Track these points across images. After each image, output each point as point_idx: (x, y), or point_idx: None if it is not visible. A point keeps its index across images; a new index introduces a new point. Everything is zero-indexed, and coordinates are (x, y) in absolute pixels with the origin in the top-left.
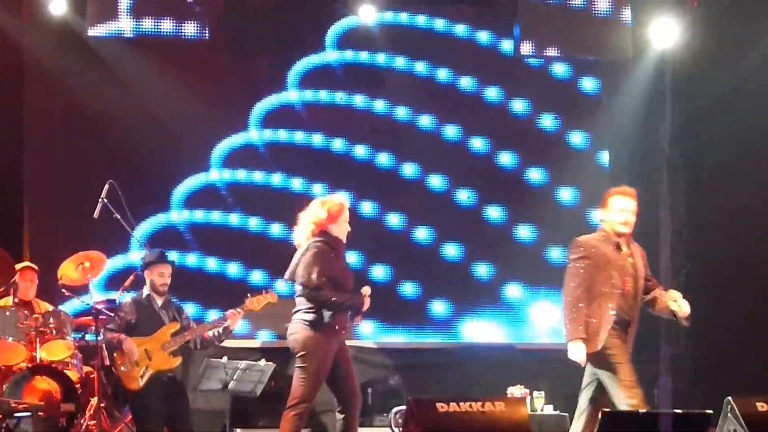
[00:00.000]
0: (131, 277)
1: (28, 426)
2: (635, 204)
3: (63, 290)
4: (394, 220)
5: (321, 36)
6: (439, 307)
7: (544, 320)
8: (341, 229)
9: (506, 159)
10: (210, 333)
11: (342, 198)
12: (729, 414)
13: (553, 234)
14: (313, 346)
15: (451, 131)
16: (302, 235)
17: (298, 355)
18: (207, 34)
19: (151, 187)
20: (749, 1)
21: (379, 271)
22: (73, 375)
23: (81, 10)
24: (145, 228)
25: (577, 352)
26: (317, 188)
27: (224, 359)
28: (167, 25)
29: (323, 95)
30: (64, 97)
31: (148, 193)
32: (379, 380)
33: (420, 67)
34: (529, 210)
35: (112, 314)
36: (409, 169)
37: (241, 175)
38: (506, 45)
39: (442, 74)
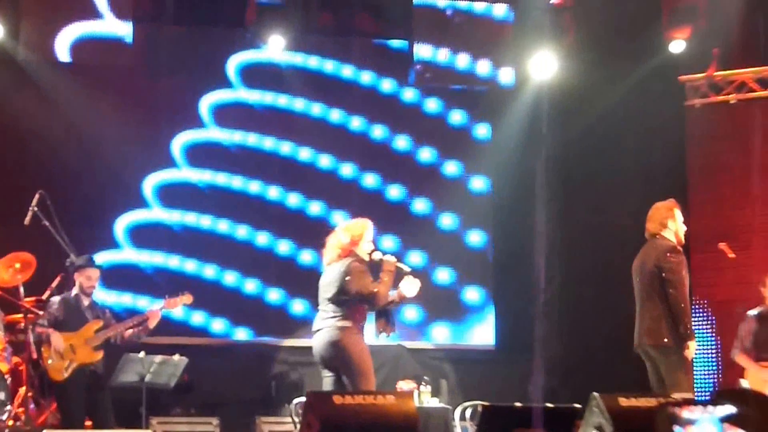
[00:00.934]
0: (58, 278)
1: None
2: None
3: None
4: (284, 247)
5: (225, 68)
6: None
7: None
8: (365, 249)
9: (395, 191)
10: (130, 331)
11: (363, 221)
12: (595, 408)
13: (438, 257)
14: (360, 350)
15: (348, 169)
16: (331, 255)
17: (344, 360)
18: (131, 59)
19: (80, 206)
20: (616, 37)
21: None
22: (3, 366)
23: (14, 33)
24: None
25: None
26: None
27: (142, 354)
28: (93, 51)
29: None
30: None
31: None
32: (284, 375)
33: (317, 108)
34: (416, 237)
35: (41, 312)
36: (315, 207)
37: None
38: (387, 85)
39: (336, 115)
